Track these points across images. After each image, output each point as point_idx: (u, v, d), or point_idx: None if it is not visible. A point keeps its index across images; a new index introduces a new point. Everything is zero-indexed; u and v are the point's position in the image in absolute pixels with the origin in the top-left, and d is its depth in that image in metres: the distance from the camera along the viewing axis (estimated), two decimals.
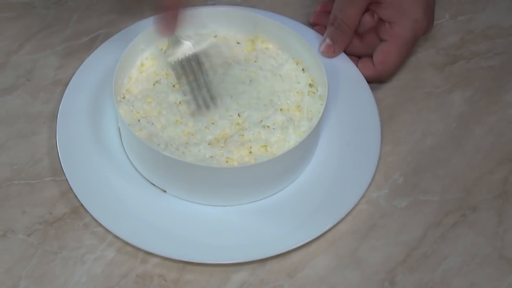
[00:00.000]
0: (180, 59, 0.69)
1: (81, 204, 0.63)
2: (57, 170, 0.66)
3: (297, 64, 0.71)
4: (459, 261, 0.63)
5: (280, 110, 0.68)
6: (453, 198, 0.67)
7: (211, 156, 0.64)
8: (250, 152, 0.65)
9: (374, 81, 0.73)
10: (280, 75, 0.71)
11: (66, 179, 0.65)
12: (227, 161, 0.64)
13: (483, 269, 0.63)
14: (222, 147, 0.65)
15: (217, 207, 0.65)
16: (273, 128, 0.66)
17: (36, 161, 0.67)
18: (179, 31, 0.67)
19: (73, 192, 0.64)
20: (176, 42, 0.69)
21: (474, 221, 0.66)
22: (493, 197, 0.67)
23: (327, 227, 0.63)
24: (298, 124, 0.67)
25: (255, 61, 0.72)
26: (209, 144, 0.65)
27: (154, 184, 0.66)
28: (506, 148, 0.70)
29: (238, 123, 0.67)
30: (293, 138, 0.66)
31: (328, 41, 0.73)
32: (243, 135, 0.66)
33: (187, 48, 0.69)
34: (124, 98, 0.68)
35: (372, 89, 0.72)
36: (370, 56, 0.73)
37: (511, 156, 0.70)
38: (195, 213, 0.64)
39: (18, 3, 0.79)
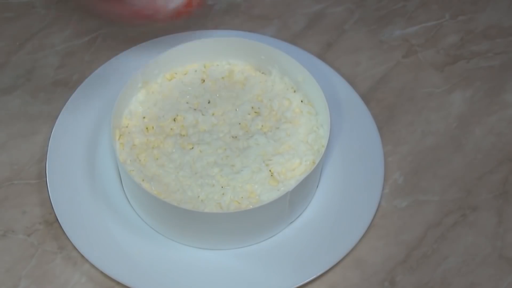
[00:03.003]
0: None
1: None
2: None
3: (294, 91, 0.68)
4: (459, 261, 0.63)
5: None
6: (453, 198, 0.67)
7: (223, 194, 0.61)
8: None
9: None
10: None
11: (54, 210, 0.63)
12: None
13: (483, 269, 0.63)
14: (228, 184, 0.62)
15: (206, 250, 0.62)
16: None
17: (36, 161, 0.67)
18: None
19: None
20: None
21: (474, 221, 0.66)
22: (493, 197, 0.67)
23: (324, 270, 0.61)
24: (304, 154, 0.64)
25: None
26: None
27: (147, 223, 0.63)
28: (506, 148, 0.70)
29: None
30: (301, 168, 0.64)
31: None
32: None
33: None
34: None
35: (372, 89, 0.72)
36: None
37: (511, 156, 0.70)
38: (188, 257, 0.61)
39: (18, 3, 0.79)
